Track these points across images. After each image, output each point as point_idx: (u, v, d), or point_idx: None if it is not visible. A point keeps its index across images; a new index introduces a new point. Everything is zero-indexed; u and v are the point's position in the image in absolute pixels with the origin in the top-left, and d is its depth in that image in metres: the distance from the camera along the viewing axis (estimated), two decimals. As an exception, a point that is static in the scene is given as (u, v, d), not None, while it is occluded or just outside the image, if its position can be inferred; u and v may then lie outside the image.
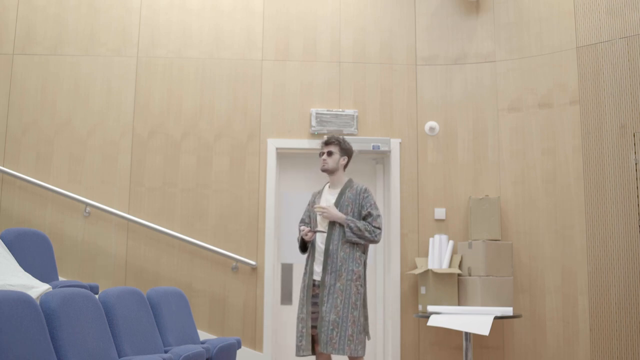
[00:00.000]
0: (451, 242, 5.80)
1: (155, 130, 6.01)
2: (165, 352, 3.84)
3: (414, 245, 5.97)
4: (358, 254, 4.47)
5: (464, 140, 6.12)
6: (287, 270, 6.08)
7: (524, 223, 5.88)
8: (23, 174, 5.78)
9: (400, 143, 6.10)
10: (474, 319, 4.99)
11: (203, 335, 5.43)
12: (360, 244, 4.49)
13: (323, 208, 4.49)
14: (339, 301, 4.35)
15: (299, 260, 5.97)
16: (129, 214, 5.82)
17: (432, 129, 6.14)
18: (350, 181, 4.68)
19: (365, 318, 4.47)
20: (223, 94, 6.10)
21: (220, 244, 5.85)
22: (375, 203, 4.57)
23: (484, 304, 5.40)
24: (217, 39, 6.18)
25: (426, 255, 5.91)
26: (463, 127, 6.14)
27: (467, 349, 5.26)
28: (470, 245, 5.66)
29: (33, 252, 4.63)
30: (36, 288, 3.77)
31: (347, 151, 4.71)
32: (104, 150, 5.95)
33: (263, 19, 6.23)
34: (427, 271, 5.68)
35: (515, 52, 6.10)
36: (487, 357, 5.82)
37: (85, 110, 6.00)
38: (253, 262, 5.81)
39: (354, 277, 4.40)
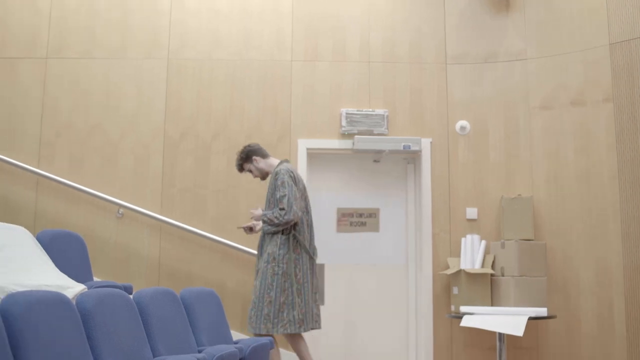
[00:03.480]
0: (483, 241, 5.75)
1: (186, 132, 6.05)
2: (199, 352, 3.86)
3: (446, 245, 5.93)
4: (278, 236, 4.64)
5: (495, 139, 6.07)
6: (318, 270, 6.05)
7: (557, 222, 5.80)
8: (57, 176, 5.87)
9: (431, 142, 6.06)
10: (508, 320, 4.94)
11: (236, 335, 5.46)
12: (279, 229, 4.62)
13: (252, 215, 4.78)
14: (257, 283, 4.65)
15: (330, 260, 5.98)
16: (161, 215, 5.87)
17: (462, 128, 6.10)
18: (277, 166, 4.82)
19: (285, 296, 4.56)
20: (253, 95, 6.13)
21: (252, 244, 5.87)
22: (283, 182, 4.63)
23: (518, 304, 5.35)
24: (246, 40, 6.21)
25: (458, 255, 5.87)
26: (494, 125, 6.08)
27: (500, 349, 5.21)
28: (502, 245, 5.61)
29: (68, 253, 4.69)
30: (72, 288, 3.81)
31: (248, 154, 4.91)
32: (136, 153, 6.01)
33: (292, 20, 6.24)
34: (459, 271, 5.63)
35: (546, 49, 6.03)
36: (521, 358, 5.75)
37: (117, 113, 6.07)
38: (284, 263, 5.82)
39: (270, 259, 4.61)
